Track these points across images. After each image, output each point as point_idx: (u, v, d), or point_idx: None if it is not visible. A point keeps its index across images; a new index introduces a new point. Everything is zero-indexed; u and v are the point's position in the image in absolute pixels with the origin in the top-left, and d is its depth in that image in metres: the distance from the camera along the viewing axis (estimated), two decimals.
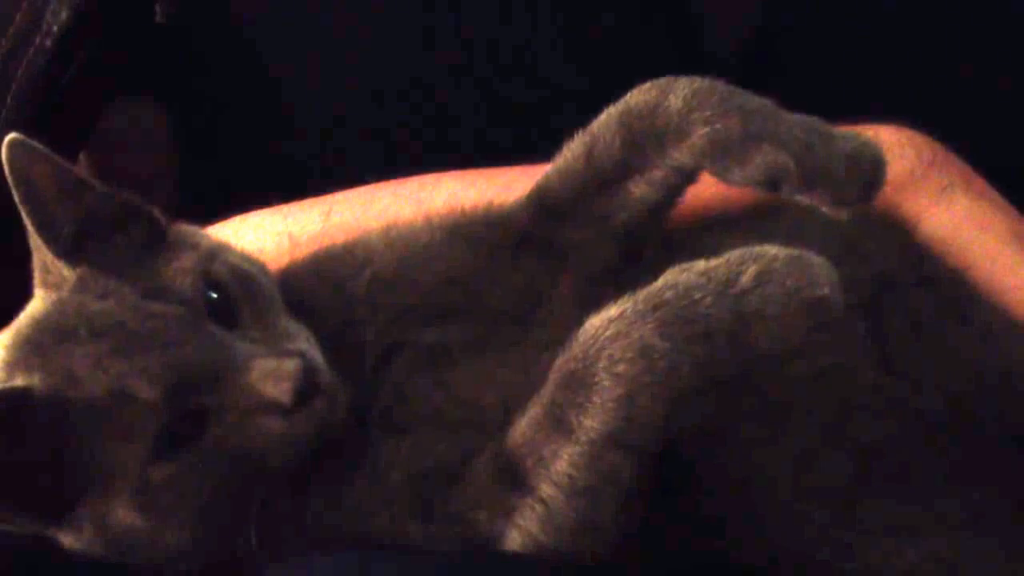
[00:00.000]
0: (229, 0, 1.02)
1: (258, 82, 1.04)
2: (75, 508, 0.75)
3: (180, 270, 0.77)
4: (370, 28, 1.01)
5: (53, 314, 0.76)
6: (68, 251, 0.78)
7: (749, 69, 0.84)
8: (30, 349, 0.75)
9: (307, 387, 0.74)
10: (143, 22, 1.03)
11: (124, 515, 0.74)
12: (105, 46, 1.02)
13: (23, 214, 0.78)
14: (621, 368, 0.70)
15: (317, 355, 0.77)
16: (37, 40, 0.98)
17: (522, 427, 0.74)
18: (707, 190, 0.86)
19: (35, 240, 0.79)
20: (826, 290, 0.70)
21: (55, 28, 0.98)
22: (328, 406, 0.75)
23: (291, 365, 0.73)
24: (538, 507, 0.73)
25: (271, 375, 0.73)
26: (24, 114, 0.99)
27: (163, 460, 0.73)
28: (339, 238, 0.88)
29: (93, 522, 0.75)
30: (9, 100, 0.99)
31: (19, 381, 0.74)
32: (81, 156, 1.07)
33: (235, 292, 0.78)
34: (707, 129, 0.77)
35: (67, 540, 0.76)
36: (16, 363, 0.75)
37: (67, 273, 0.77)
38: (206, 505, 0.75)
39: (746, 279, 0.70)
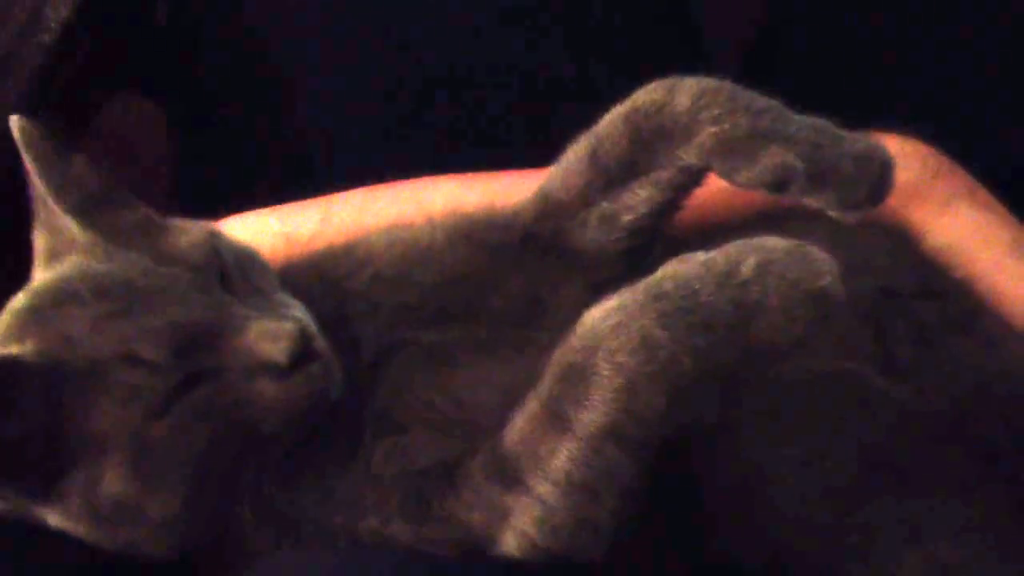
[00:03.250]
0: (229, 1, 1.02)
1: (256, 82, 1.05)
2: (64, 479, 0.74)
3: (191, 241, 0.78)
4: (370, 29, 1.01)
5: (54, 280, 0.76)
6: (81, 213, 0.78)
7: (748, 78, 0.84)
8: (27, 316, 0.75)
9: (303, 350, 0.73)
10: (143, 20, 1.03)
11: (115, 481, 0.73)
12: (105, 43, 1.02)
13: (37, 183, 0.78)
14: (621, 359, 0.69)
15: (312, 324, 0.76)
16: (38, 36, 0.98)
17: (519, 423, 0.73)
18: (712, 196, 0.86)
19: (44, 213, 0.79)
20: (827, 280, 0.69)
21: (56, 24, 0.98)
22: (322, 373, 0.74)
23: (288, 326, 0.73)
24: (534, 507, 0.72)
25: (268, 335, 0.73)
26: (23, 110, 0.99)
27: (161, 421, 0.73)
28: (337, 239, 0.88)
29: (82, 494, 0.74)
30: (9, 97, 0.98)
31: (12, 350, 0.73)
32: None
33: (236, 266, 0.78)
34: (715, 128, 0.77)
35: (53, 519, 0.75)
36: (10, 332, 0.75)
37: (78, 233, 0.77)
38: (198, 470, 0.73)
39: (746, 270, 0.69)
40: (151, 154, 0.86)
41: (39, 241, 0.80)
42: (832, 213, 0.76)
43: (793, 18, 1.03)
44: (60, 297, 0.75)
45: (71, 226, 0.78)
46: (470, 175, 0.93)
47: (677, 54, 1.00)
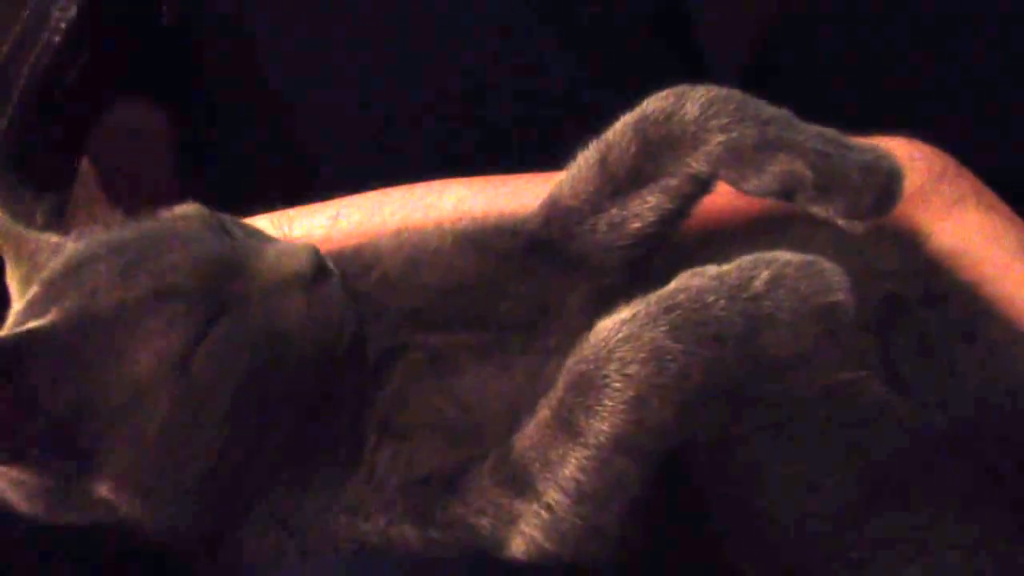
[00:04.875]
0: (233, 4, 1.02)
1: (260, 86, 1.04)
2: (108, 440, 0.74)
3: (184, 209, 0.80)
4: (375, 35, 1.01)
5: (66, 256, 0.77)
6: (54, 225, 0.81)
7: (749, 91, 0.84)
8: (47, 289, 0.76)
9: (321, 263, 0.76)
10: (148, 22, 1.03)
11: (159, 423, 0.73)
12: (111, 45, 1.02)
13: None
14: (632, 370, 0.69)
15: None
16: (44, 36, 0.98)
17: (529, 430, 0.73)
18: (719, 203, 0.86)
19: (12, 247, 0.80)
20: (839, 295, 0.69)
21: (63, 25, 0.98)
22: (340, 291, 0.77)
23: (303, 245, 0.76)
24: (544, 513, 0.72)
25: (287, 253, 0.76)
26: (29, 111, 0.99)
27: (199, 350, 0.74)
28: (346, 242, 0.88)
29: (127, 453, 0.74)
30: (14, 96, 0.98)
31: (31, 324, 0.74)
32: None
33: (231, 222, 0.81)
34: (724, 137, 0.77)
35: (103, 488, 0.75)
36: (31, 308, 0.75)
37: (57, 240, 0.80)
38: (238, 402, 0.74)
39: (759, 283, 0.69)
40: (154, 158, 0.86)
41: (11, 279, 0.80)
42: (839, 222, 0.76)
43: (793, 41, 1.03)
44: (78, 262, 0.76)
45: (47, 239, 0.79)
46: (479, 179, 0.93)
47: (677, 71, 0.99)
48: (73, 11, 0.98)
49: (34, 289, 0.77)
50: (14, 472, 0.75)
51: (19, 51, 0.99)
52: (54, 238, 0.79)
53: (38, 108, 1.00)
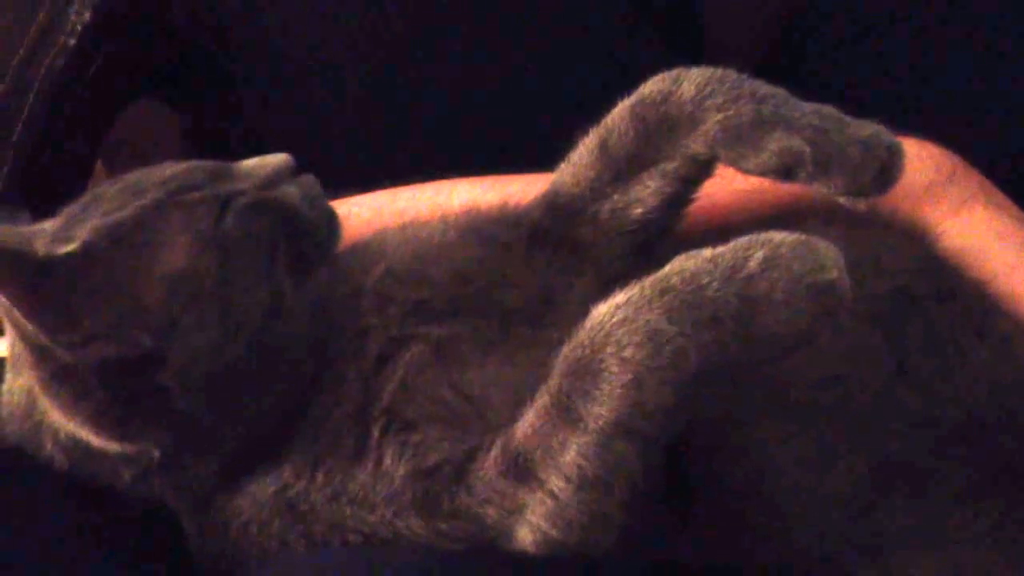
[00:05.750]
0: (248, 5, 1.03)
1: (274, 87, 1.05)
2: (166, 338, 0.75)
3: None
4: (388, 35, 1.01)
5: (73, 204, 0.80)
6: None
7: None
8: (63, 225, 0.77)
9: (294, 164, 0.81)
10: (163, 24, 1.04)
11: (208, 294, 0.76)
12: (125, 47, 1.03)
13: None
14: (628, 353, 0.69)
15: None
16: (60, 39, 0.99)
17: (530, 418, 0.73)
18: (727, 197, 0.86)
19: None
20: (834, 274, 0.69)
21: (79, 27, 0.99)
22: (319, 187, 0.82)
23: (273, 154, 0.82)
24: (548, 501, 0.72)
25: (264, 158, 0.81)
26: (45, 113, 1.00)
27: (226, 220, 0.77)
28: (355, 238, 0.88)
29: (184, 343, 0.76)
30: (30, 99, 0.99)
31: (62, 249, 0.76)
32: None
33: None
34: (720, 116, 0.77)
35: (170, 378, 0.76)
36: (55, 237, 0.77)
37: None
38: (269, 271, 0.78)
39: (753, 264, 0.69)
40: (168, 160, 0.86)
41: None
42: (841, 199, 0.76)
43: (801, 42, 1.04)
44: (87, 200, 0.79)
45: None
46: (488, 178, 0.94)
47: None
48: (88, 14, 0.99)
49: (52, 224, 0.78)
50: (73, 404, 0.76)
51: (35, 53, 1.00)
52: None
53: (55, 110, 1.01)
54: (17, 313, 0.74)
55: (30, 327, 0.75)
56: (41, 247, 0.75)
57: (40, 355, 0.76)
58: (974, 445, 0.79)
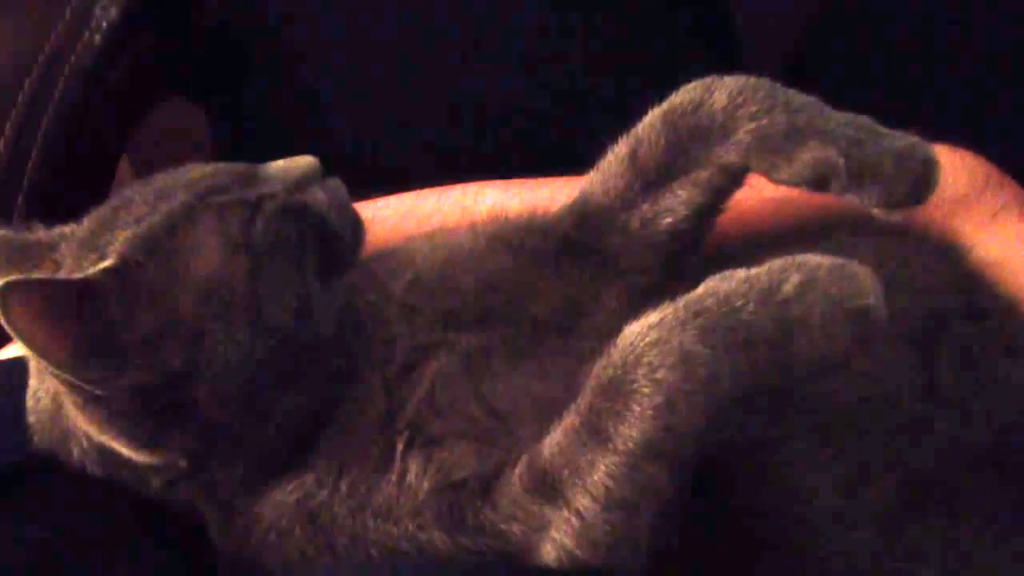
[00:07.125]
0: (273, 5, 1.02)
1: (299, 87, 1.05)
2: (199, 346, 0.75)
3: None
4: (411, 37, 1.01)
5: (100, 209, 0.79)
6: None
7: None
8: (91, 236, 0.77)
9: (321, 167, 0.81)
10: (189, 23, 1.03)
11: (239, 299, 0.76)
12: (151, 46, 1.02)
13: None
14: (660, 375, 0.68)
15: None
16: (86, 37, 0.99)
17: (558, 436, 0.72)
18: (757, 207, 0.85)
19: None
20: (871, 299, 0.68)
21: (104, 25, 0.98)
22: (345, 191, 0.81)
23: (300, 156, 0.81)
24: (574, 520, 0.71)
25: (291, 161, 0.81)
26: (71, 112, 1.00)
27: (256, 225, 0.77)
28: (379, 244, 0.87)
29: (219, 350, 0.75)
30: (56, 96, 0.99)
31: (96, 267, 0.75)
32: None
33: None
34: (753, 125, 0.76)
35: (201, 390, 0.76)
36: (82, 249, 0.77)
37: None
38: (300, 266, 0.78)
39: (789, 287, 0.69)
40: (192, 159, 0.86)
41: None
42: (875, 211, 0.75)
43: (831, 43, 1.03)
44: (114, 208, 0.78)
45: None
46: (515, 181, 0.93)
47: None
48: (114, 12, 0.99)
49: (78, 230, 0.78)
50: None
51: (61, 52, 0.99)
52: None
53: (81, 108, 1.00)
54: (45, 362, 0.74)
55: (62, 373, 0.74)
56: (70, 263, 0.76)
57: (70, 386, 0.75)
58: (1006, 464, 0.79)
